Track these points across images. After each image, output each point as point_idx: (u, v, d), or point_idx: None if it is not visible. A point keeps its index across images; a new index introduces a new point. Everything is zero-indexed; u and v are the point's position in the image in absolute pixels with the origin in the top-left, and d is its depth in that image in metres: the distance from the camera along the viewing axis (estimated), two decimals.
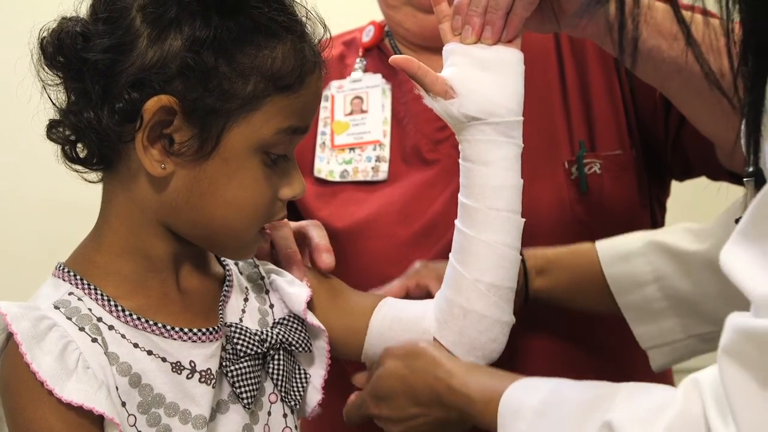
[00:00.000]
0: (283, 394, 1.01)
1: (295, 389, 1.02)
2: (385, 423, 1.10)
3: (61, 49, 0.90)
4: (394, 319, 1.08)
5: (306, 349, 1.03)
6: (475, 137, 1.03)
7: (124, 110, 0.88)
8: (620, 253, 1.20)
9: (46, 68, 0.92)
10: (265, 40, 0.91)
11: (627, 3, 0.76)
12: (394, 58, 1.05)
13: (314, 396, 1.05)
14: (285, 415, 1.01)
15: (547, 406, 0.90)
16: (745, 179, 0.78)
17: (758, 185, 0.75)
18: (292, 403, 1.01)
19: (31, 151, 0.94)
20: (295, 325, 1.03)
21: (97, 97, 0.88)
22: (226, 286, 1.01)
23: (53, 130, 0.92)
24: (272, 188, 0.95)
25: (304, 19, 0.95)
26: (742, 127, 0.71)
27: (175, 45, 0.88)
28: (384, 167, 1.33)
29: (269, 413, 1.00)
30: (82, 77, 0.89)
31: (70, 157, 0.93)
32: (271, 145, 0.93)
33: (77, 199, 0.98)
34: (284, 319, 1.03)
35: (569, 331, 1.27)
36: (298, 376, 1.03)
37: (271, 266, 1.08)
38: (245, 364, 0.97)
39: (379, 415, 1.10)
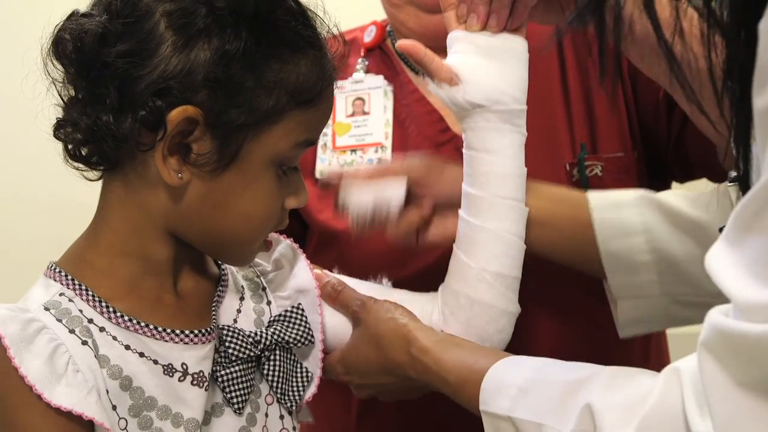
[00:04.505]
0: (279, 395, 1.00)
1: (294, 389, 1.01)
2: (355, 387, 1.12)
3: (81, 50, 0.88)
4: None
5: (307, 341, 1.02)
6: (479, 125, 1.04)
7: (146, 118, 0.87)
8: (612, 201, 1.17)
9: (56, 65, 0.90)
10: (290, 54, 0.90)
11: (607, 22, 0.77)
12: (401, 43, 1.06)
13: (310, 390, 1.04)
14: (282, 417, 1.01)
15: (530, 384, 0.90)
16: (728, 184, 0.78)
17: (743, 190, 0.75)
18: (289, 404, 1.00)
19: (30, 151, 0.93)
20: (295, 318, 1.02)
21: (114, 102, 0.87)
22: (221, 286, 1.00)
23: (61, 130, 0.91)
24: (281, 199, 0.95)
25: (325, 33, 0.95)
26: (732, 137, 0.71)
27: (202, 56, 0.87)
28: None
29: (266, 415, 0.99)
30: (100, 80, 0.87)
31: (73, 156, 0.92)
32: (287, 158, 0.93)
33: (77, 198, 0.97)
34: (282, 314, 1.02)
35: (574, 317, 1.26)
36: (298, 374, 1.02)
37: (265, 266, 1.08)
38: (237, 368, 0.96)
39: (349, 382, 1.11)
